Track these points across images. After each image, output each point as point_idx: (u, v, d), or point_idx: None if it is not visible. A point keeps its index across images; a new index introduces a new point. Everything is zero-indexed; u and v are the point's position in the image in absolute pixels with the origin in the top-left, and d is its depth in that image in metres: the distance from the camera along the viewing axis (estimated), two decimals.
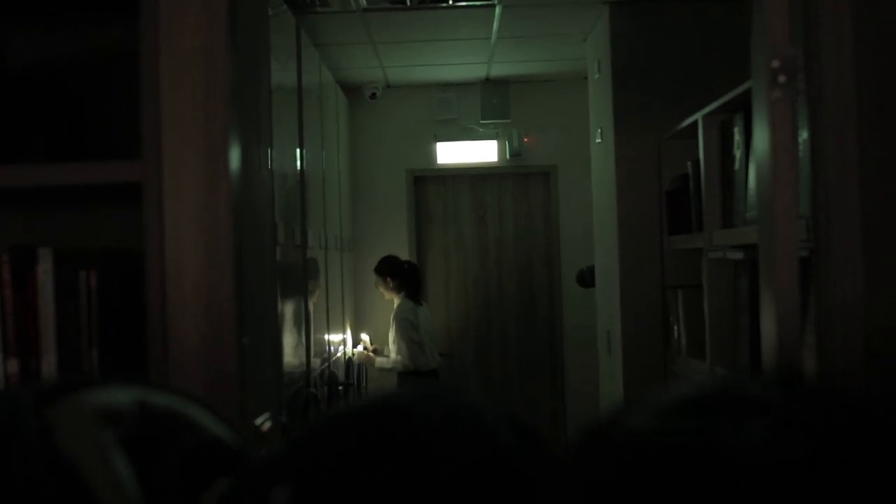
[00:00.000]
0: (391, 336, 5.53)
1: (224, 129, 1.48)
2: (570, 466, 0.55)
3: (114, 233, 1.73)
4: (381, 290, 5.68)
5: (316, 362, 4.19)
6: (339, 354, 5.15)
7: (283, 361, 3.13)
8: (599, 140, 4.84)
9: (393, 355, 5.51)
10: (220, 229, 1.49)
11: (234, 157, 1.54)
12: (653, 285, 4.35)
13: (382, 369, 5.54)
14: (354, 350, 5.74)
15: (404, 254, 6.64)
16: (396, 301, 5.58)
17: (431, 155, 6.70)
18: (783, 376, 0.62)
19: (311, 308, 4.14)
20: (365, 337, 5.92)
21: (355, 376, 5.33)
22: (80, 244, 1.75)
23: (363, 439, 0.57)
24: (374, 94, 6.53)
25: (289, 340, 3.39)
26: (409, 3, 4.49)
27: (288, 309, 3.41)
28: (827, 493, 0.50)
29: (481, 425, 0.58)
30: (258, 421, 1.85)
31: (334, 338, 4.99)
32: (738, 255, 3.08)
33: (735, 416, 0.54)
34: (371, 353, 5.61)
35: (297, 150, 3.86)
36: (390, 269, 5.63)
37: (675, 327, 4.15)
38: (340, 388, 4.72)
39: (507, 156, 6.66)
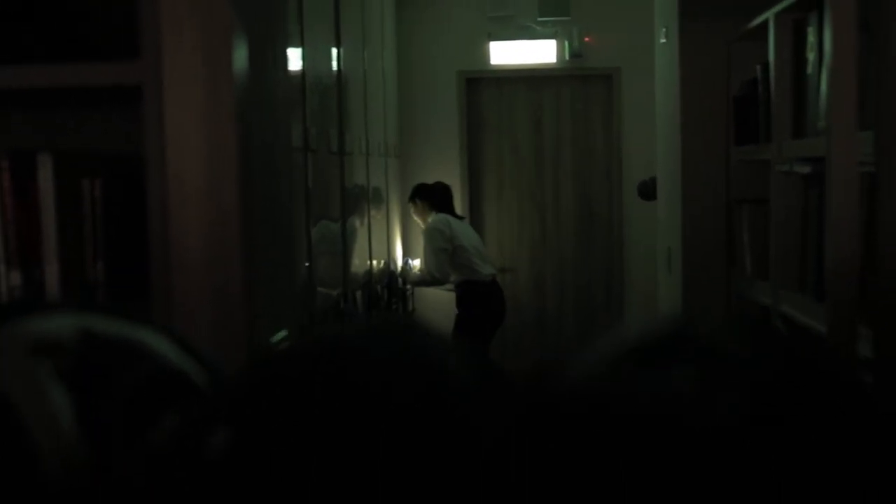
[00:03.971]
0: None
1: (226, 27, 1.46)
2: (506, 417, 0.55)
3: (120, 138, 1.74)
4: (416, 217, 5.75)
5: (355, 277, 4.22)
6: (382, 269, 5.18)
7: (314, 276, 3.15)
8: (664, 40, 4.71)
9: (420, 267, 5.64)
10: (222, 133, 1.48)
11: (239, 57, 1.52)
12: (717, 199, 4.27)
13: (415, 284, 5.64)
14: (401, 264, 5.82)
15: (454, 161, 6.61)
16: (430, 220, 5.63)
17: (485, 55, 6.60)
18: (745, 327, 0.60)
19: (355, 232, 4.16)
20: (415, 263, 5.97)
21: (399, 292, 5.37)
22: (85, 150, 1.76)
23: (306, 378, 0.57)
24: None
25: (322, 253, 3.41)
26: None
27: (321, 217, 3.43)
28: (751, 457, 0.49)
29: (437, 366, 0.58)
30: (274, 338, 1.87)
31: (377, 251, 5.02)
32: (806, 169, 3.00)
33: (671, 366, 0.53)
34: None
35: (334, 50, 3.82)
36: (418, 192, 5.69)
37: (740, 245, 4.08)
38: (382, 304, 4.76)
39: (567, 57, 6.53)
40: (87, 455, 0.66)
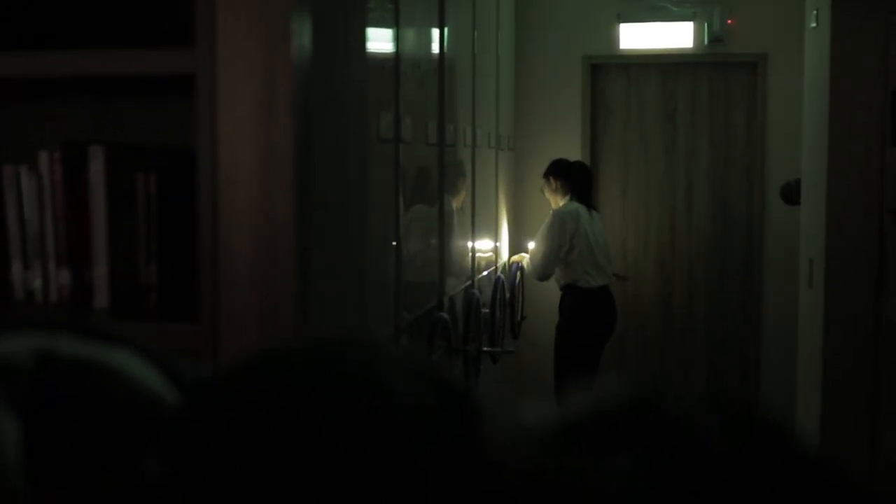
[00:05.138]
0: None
1: (285, 13, 1.47)
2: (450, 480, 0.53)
3: (177, 130, 1.77)
4: (547, 194, 5.71)
5: (454, 280, 4.22)
6: (486, 272, 5.17)
7: (402, 280, 3.16)
8: (814, 24, 4.57)
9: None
10: (278, 130, 1.49)
11: (301, 45, 1.53)
12: (868, 208, 4.12)
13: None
14: (513, 258, 5.83)
15: (575, 155, 6.55)
16: (561, 204, 5.60)
17: (613, 38, 6.52)
18: (728, 404, 0.56)
19: (452, 215, 4.15)
20: (530, 246, 5.95)
21: (506, 295, 5.33)
22: (139, 142, 1.79)
23: (243, 404, 0.56)
24: None
25: (415, 255, 3.42)
26: None
27: (415, 218, 3.43)
28: None
29: (382, 390, 0.56)
30: None
31: (482, 251, 5.01)
32: None
33: (620, 447, 0.50)
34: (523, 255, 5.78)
35: (435, 31, 3.82)
36: (555, 169, 5.65)
37: (893, 262, 3.94)
38: (486, 311, 4.74)
39: (706, 41, 6.40)
40: (31, 493, 0.66)
